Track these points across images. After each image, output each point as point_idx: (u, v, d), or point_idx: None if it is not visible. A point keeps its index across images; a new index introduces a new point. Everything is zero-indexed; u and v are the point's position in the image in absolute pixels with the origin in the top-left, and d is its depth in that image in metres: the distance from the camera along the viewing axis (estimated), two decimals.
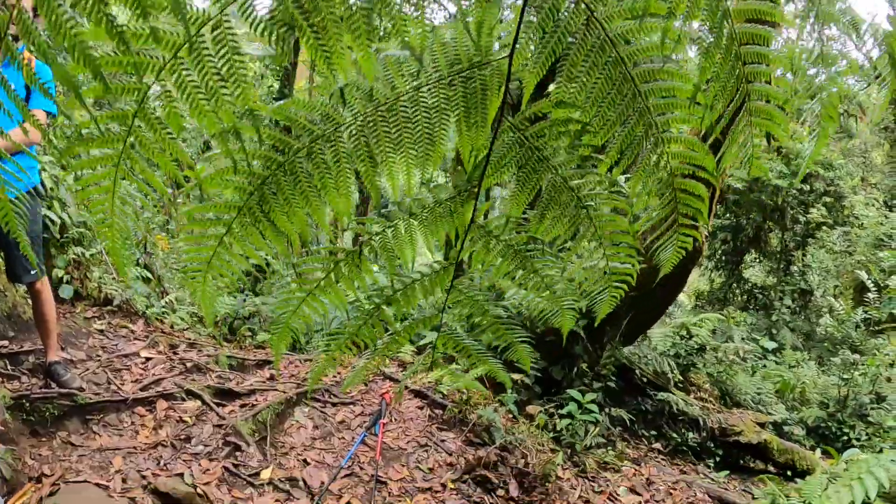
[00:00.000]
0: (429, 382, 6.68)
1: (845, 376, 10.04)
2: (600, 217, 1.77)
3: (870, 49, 1.96)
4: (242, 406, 5.22)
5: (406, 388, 6.56)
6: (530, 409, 7.16)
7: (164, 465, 4.12)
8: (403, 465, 5.38)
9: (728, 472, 7.70)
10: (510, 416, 6.67)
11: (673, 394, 8.34)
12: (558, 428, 6.81)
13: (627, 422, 7.92)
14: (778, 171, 15.61)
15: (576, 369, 8.11)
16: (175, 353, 5.77)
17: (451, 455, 5.72)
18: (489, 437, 6.11)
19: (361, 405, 6.09)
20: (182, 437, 4.49)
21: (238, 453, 4.52)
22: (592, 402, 6.95)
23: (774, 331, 15.06)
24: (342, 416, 5.78)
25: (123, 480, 3.81)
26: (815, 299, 18.94)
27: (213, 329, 8.88)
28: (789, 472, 7.82)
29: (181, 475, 4.03)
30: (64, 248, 6.74)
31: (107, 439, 4.28)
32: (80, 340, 5.57)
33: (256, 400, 5.38)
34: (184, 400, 4.90)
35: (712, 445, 8.16)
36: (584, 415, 6.83)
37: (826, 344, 14.26)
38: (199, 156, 22.84)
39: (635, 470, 7.07)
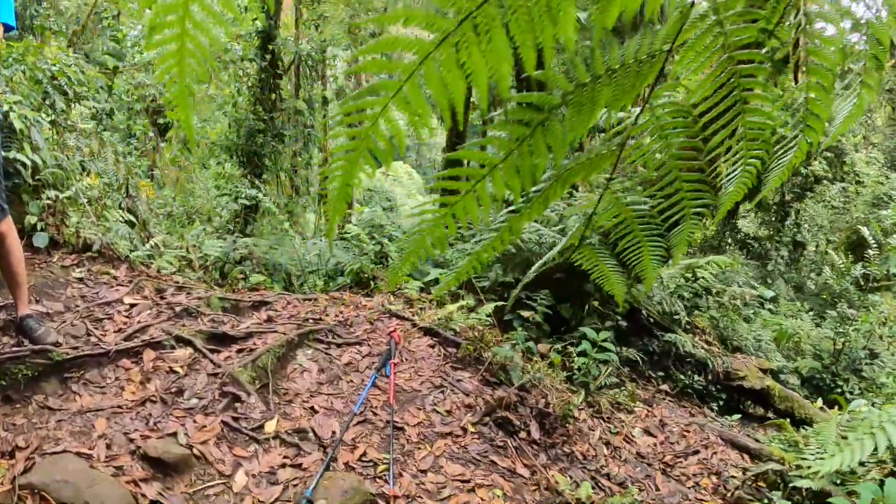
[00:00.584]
0: (438, 319, 6.16)
1: (840, 330, 10.04)
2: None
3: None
4: (239, 351, 4.67)
5: (415, 325, 6.04)
6: (541, 347, 6.68)
7: (154, 424, 3.58)
8: (419, 409, 4.89)
9: (740, 416, 7.50)
10: (524, 354, 6.19)
11: (680, 335, 7.93)
12: (574, 367, 6.35)
13: (639, 362, 7.53)
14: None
15: (587, 307, 7.65)
16: (162, 298, 5.19)
17: (468, 396, 5.24)
18: (506, 377, 5.64)
19: (368, 345, 5.57)
20: (173, 390, 3.95)
21: (237, 405, 3.99)
22: (606, 340, 6.48)
23: (770, 280, 14.94)
24: (348, 358, 5.27)
25: (108, 446, 3.28)
26: (808, 253, 18.88)
27: (205, 273, 8.32)
28: (787, 420, 7.63)
29: (174, 435, 3.50)
30: (37, 193, 6.10)
31: (88, 399, 3.74)
32: (58, 291, 4.99)
33: (254, 344, 4.83)
34: (173, 348, 4.34)
35: (714, 389, 7.95)
36: (598, 353, 6.36)
37: (824, 296, 14.15)
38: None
39: (647, 411, 6.71)
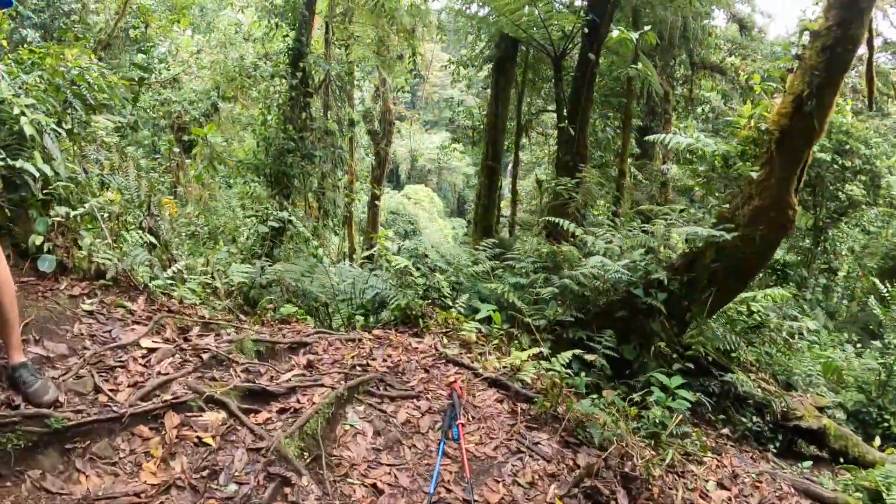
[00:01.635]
0: (504, 367, 5.17)
1: (884, 361, 9.31)
2: None
3: None
4: (281, 412, 3.70)
5: (477, 375, 5.04)
6: (606, 393, 5.68)
7: None
8: (497, 480, 3.89)
9: (811, 462, 6.80)
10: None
11: (738, 375, 7.17)
12: (647, 416, 5.37)
13: (706, 406, 6.60)
14: (819, 144, 14.43)
15: (652, 348, 6.68)
16: (186, 340, 4.23)
17: (549, 462, 4.24)
18: (585, 435, 4.65)
19: (427, 398, 4.59)
20: (205, 470, 2.97)
21: (287, 489, 3.01)
22: (680, 387, 5.51)
23: (808, 309, 14.06)
24: (406, 415, 4.28)
25: None
26: (838, 279, 17.94)
27: (230, 300, 7.39)
28: (841, 459, 7.14)
29: None
30: (47, 208, 5.19)
31: (96, 481, 2.77)
32: (63, 327, 4.04)
33: (298, 401, 3.86)
34: (202, 410, 3.36)
35: (768, 429, 7.15)
36: (674, 402, 5.38)
37: (871, 326, 13.29)
38: (205, 117, 21.11)
39: (717, 461, 5.79)
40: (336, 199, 14.65)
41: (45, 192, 5.18)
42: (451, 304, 6.57)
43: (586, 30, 11.36)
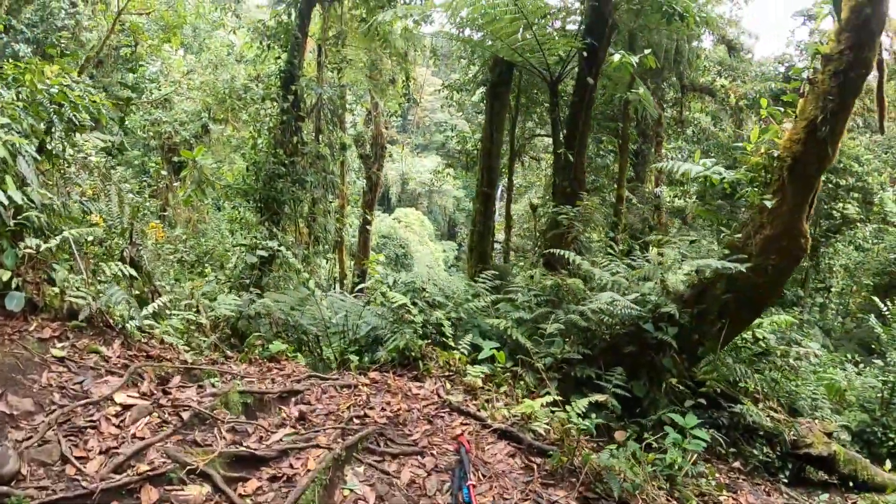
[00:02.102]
0: (514, 416, 4.73)
1: (885, 378, 9.16)
2: None
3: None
4: (273, 479, 3.22)
5: (486, 426, 4.58)
6: (618, 435, 5.24)
7: None
8: None
9: (826, 496, 6.51)
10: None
11: (747, 405, 6.86)
12: (662, 459, 4.93)
13: (720, 442, 6.26)
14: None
15: (663, 384, 6.29)
16: (166, 393, 3.75)
17: None
18: (604, 488, 4.21)
19: (432, 454, 4.13)
20: None
21: None
22: (695, 427, 5.11)
23: (807, 328, 13.76)
24: (410, 475, 3.82)
25: None
26: (832, 296, 17.70)
27: (217, 334, 6.90)
28: (850, 483, 6.99)
29: None
30: (16, 239, 4.72)
31: None
32: (30, 376, 3.57)
33: (291, 466, 3.39)
34: (183, 483, 2.88)
35: (777, 458, 6.91)
36: (690, 444, 4.97)
37: (872, 344, 13.04)
38: (195, 139, 20.63)
39: (733, 499, 5.37)
40: (327, 224, 14.20)
41: (16, 220, 4.73)
42: (452, 343, 6.11)
43: (584, 53, 11.03)
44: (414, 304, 6.52)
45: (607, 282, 6.98)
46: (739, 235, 6.60)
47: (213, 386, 3.99)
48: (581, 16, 10.87)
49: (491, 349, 6.30)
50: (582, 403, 4.57)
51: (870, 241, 17.48)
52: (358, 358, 6.25)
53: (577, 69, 11.48)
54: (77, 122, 6.09)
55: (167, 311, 6.32)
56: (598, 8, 10.16)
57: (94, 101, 6.05)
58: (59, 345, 4.01)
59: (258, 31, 13.04)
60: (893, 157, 19.20)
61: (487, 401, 5.00)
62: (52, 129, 5.74)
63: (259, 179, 11.24)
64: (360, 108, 20.40)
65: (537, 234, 12.75)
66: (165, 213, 20.70)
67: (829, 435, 7.39)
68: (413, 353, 5.65)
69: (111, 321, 4.48)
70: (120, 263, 5.76)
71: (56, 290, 4.43)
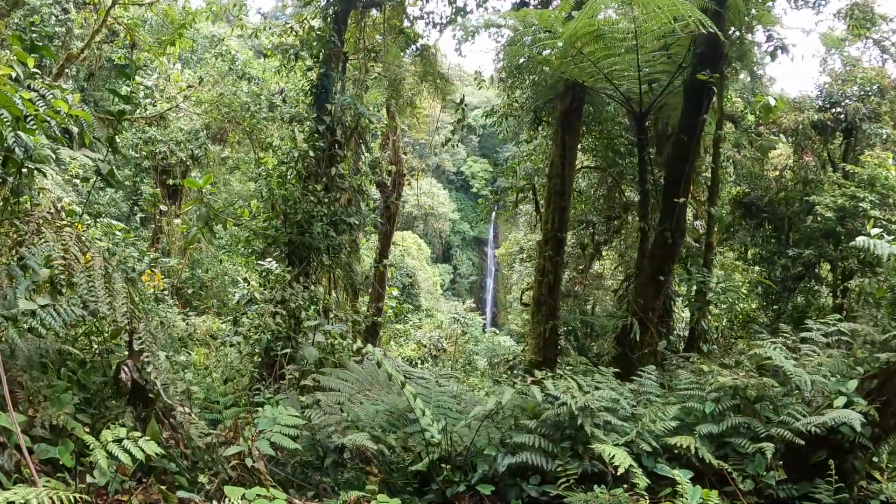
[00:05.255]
0: None
1: None
2: None
3: None
4: None
5: None
6: None
7: None
8: None
9: None
10: None
11: None
12: None
13: None
14: (870, 202, 11.81)
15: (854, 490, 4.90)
16: None
17: None
18: None
19: None
20: None
21: None
22: None
23: None
24: None
25: None
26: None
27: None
28: None
29: None
30: None
31: None
32: None
33: None
34: None
35: None
36: None
37: None
38: (193, 160, 17.33)
39: None
40: (354, 265, 11.10)
41: None
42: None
43: (693, 86, 8.36)
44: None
45: (805, 383, 4.97)
46: None
47: None
48: (692, 44, 8.15)
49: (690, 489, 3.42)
50: None
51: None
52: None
53: (682, 103, 8.74)
54: (30, 149, 3.10)
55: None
56: (714, 36, 7.43)
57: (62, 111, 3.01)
58: None
59: (284, 37, 9.95)
60: None
61: None
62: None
63: (289, 221, 8.16)
64: (373, 131, 17.38)
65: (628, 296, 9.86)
66: (159, 242, 17.38)
67: None
68: None
69: None
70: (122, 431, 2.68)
71: None
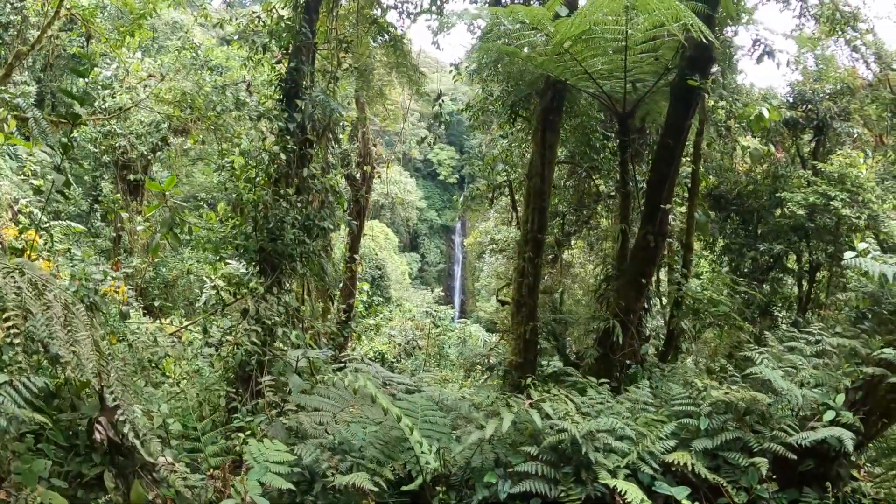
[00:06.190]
0: None
1: None
2: None
3: None
4: None
5: None
6: None
7: None
8: None
9: None
10: None
11: None
12: None
13: None
14: (841, 200, 11.72)
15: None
16: None
17: None
18: None
19: None
20: None
21: None
22: None
23: None
24: None
25: None
26: None
27: None
28: None
29: None
30: None
31: None
32: None
33: None
34: None
35: None
36: None
37: None
38: (153, 153, 16.44)
39: None
40: (327, 269, 10.55)
41: None
42: None
43: (680, 90, 8.02)
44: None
45: (796, 397, 4.97)
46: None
47: None
48: (681, 47, 7.78)
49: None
50: None
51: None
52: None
53: (666, 105, 8.39)
54: None
55: None
56: (705, 42, 7.05)
57: None
58: None
59: (250, 29, 9.25)
60: None
61: None
62: None
63: (259, 228, 7.58)
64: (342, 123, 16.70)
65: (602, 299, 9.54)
66: (120, 240, 16.48)
67: None
68: None
69: None
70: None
71: None
